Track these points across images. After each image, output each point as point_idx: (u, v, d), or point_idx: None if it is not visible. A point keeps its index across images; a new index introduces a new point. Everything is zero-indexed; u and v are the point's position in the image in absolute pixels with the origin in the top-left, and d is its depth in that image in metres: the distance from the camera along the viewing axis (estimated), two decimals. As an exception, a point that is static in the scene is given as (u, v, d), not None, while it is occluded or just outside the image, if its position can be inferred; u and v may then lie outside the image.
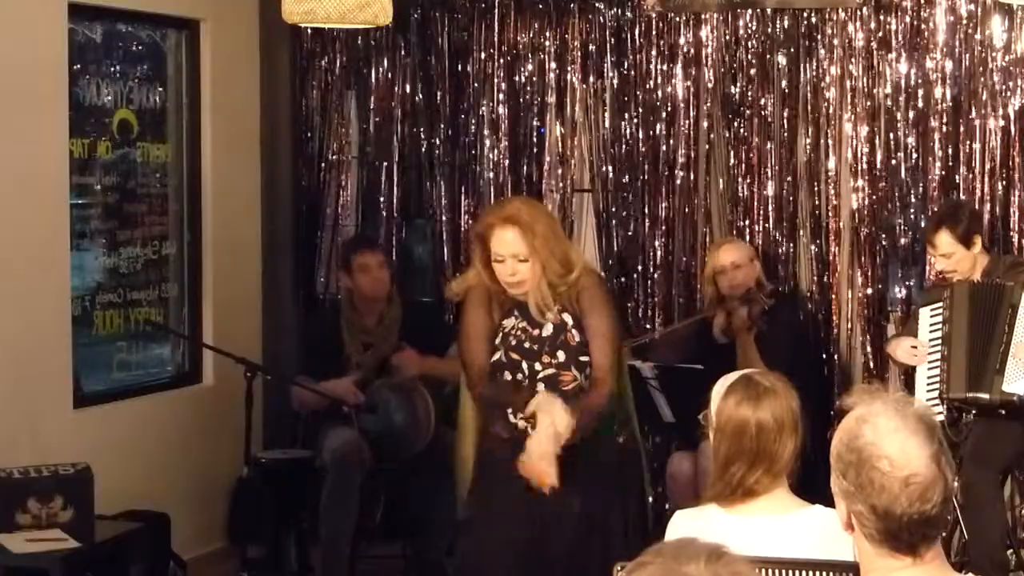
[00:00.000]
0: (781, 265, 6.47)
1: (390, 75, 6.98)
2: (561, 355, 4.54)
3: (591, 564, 4.44)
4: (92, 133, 6.17)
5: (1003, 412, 5.35)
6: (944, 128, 6.28)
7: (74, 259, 5.93)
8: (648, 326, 6.58)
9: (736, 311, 5.97)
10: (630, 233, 6.68)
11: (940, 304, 5.52)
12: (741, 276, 6.04)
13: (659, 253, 6.65)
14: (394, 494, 6.21)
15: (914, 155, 6.34)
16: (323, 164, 7.07)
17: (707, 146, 6.58)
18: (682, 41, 6.57)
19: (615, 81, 6.68)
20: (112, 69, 6.32)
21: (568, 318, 4.55)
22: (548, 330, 4.55)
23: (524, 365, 4.54)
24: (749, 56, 6.50)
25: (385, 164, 7.02)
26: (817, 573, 2.99)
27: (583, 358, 4.55)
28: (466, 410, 4.75)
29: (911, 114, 6.33)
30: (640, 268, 6.68)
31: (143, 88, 6.46)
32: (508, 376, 4.55)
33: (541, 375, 4.53)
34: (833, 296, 6.45)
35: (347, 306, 6.27)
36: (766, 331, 5.94)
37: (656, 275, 6.66)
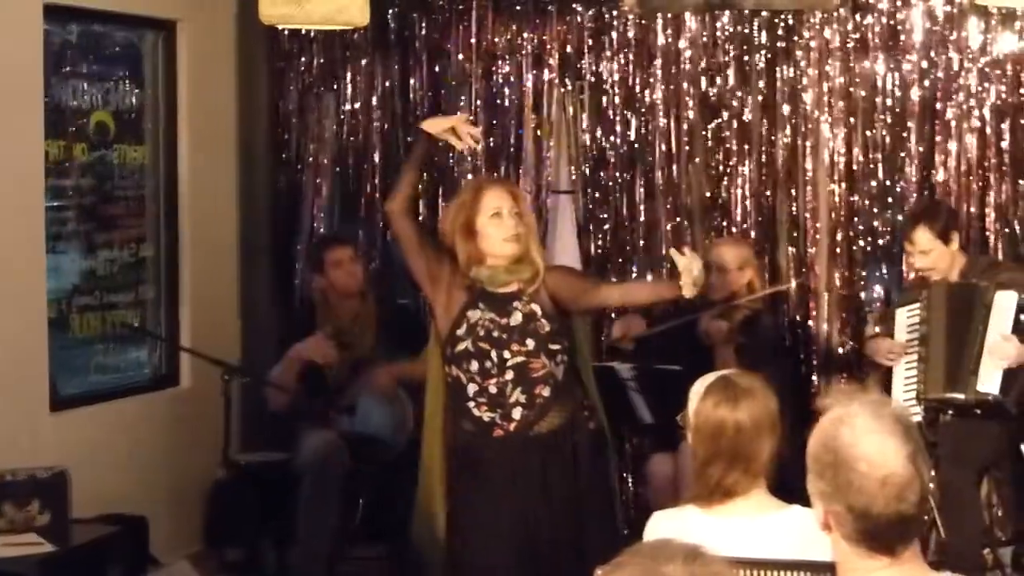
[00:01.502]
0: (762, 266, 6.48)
1: (368, 76, 6.97)
2: (531, 343, 4.55)
3: (580, 549, 4.48)
4: (68, 135, 6.14)
5: (979, 412, 5.37)
6: (921, 129, 6.31)
7: (51, 261, 5.91)
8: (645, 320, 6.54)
9: (713, 325, 5.91)
10: (611, 235, 6.69)
11: (917, 304, 5.54)
12: (724, 281, 6.00)
13: (642, 254, 6.66)
14: (374, 495, 6.20)
15: (891, 156, 6.36)
16: (300, 165, 7.06)
17: (686, 148, 6.58)
18: (660, 42, 6.58)
19: (593, 82, 6.69)
20: (88, 70, 6.30)
21: (537, 308, 4.58)
22: (517, 319, 4.58)
23: (493, 353, 4.56)
24: (727, 57, 6.51)
25: (363, 165, 7.01)
26: (794, 573, 3.00)
27: (553, 346, 4.58)
28: (433, 407, 4.77)
29: (888, 115, 6.35)
30: (621, 270, 6.69)
31: (120, 90, 6.44)
32: (476, 365, 4.56)
33: (511, 363, 4.55)
34: (811, 297, 6.47)
35: (322, 307, 6.26)
36: (745, 344, 5.90)
37: (636, 277, 6.66)
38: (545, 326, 4.57)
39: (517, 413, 4.54)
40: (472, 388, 4.57)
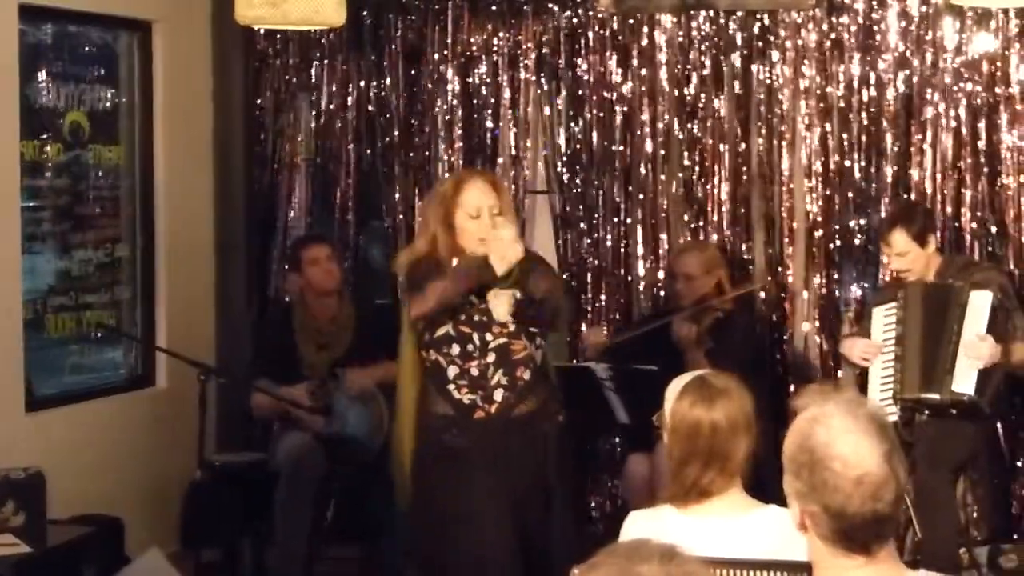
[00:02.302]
0: (735, 267, 6.48)
1: (344, 76, 6.96)
2: (511, 324, 4.57)
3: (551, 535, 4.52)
4: (43, 135, 6.12)
5: (954, 412, 5.39)
6: (896, 129, 6.33)
7: (26, 262, 5.89)
8: (606, 329, 6.55)
9: (684, 329, 5.91)
10: (587, 235, 6.69)
11: (894, 304, 5.55)
12: (691, 288, 6.02)
13: (618, 254, 6.66)
14: (349, 496, 6.19)
15: (867, 156, 6.37)
16: (276, 166, 7.05)
17: (662, 148, 6.58)
18: (636, 42, 6.58)
19: (569, 82, 6.69)
20: (63, 71, 6.28)
21: (516, 291, 4.61)
22: None
23: (475, 336, 4.59)
24: (703, 57, 6.52)
25: (339, 166, 7.00)
26: (770, 573, 3.01)
27: (532, 328, 4.59)
28: (404, 395, 4.78)
29: (864, 115, 6.36)
30: (597, 270, 6.69)
31: (95, 90, 6.42)
32: (457, 349, 4.59)
33: (492, 345, 4.60)
34: (788, 297, 6.48)
35: (299, 307, 6.25)
36: (716, 346, 5.90)
37: (614, 278, 6.66)
38: None
39: (499, 395, 4.59)
40: (453, 371, 4.61)
